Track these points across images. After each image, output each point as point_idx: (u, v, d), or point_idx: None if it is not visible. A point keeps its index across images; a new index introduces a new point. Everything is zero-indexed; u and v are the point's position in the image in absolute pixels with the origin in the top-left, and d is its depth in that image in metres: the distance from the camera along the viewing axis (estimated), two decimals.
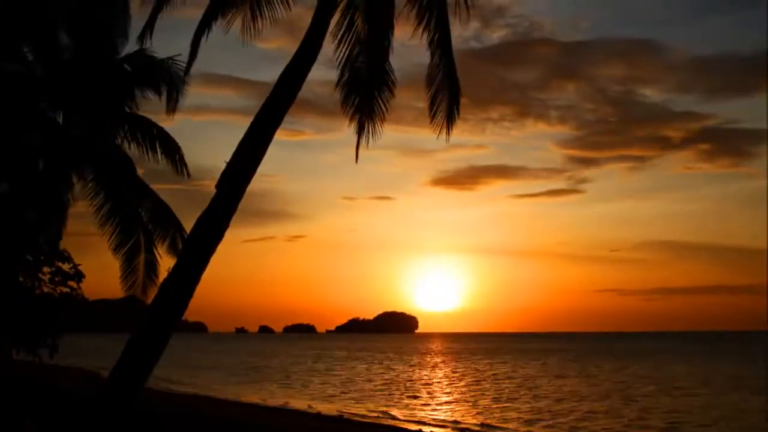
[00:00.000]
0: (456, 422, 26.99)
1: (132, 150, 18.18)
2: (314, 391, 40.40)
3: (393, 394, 38.11)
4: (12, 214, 15.86)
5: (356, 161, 14.41)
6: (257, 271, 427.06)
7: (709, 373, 52.22)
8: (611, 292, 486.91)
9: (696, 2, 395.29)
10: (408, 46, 14.87)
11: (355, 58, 14.43)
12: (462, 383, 45.63)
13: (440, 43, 14.41)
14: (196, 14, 14.20)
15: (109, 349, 43.61)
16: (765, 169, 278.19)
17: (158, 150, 18.05)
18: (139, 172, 18.81)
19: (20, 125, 17.20)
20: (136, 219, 18.44)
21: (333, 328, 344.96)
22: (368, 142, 14.56)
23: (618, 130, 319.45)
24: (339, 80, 14.48)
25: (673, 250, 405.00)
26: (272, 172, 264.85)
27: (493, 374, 53.52)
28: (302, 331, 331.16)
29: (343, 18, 14.27)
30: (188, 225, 13.57)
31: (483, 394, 37.65)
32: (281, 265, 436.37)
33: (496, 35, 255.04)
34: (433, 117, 14.62)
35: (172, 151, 18.18)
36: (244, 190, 13.44)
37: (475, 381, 47.11)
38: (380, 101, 14.58)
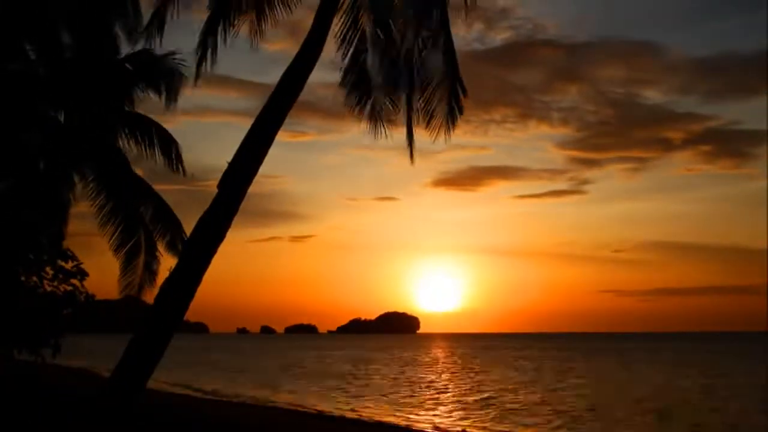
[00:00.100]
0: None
1: (132, 149, 18.25)
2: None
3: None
4: (12, 213, 15.87)
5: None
6: (260, 271, 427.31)
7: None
8: (613, 292, 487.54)
9: (697, 4, 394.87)
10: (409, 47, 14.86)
11: (359, 57, 14.48)
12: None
13: (442, 43, 14.44)
14: (200, 15, 14.29)
15: (111, 349, 43.54)
16: (766, 170, 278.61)
17: (156, 148, 18.08)
18: (140, 172, 18.87)
19: (21, 124, 17.23)
20: (138, 219, 18.47)
21: (334, 328, 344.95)
22: (383, 137, 14.63)
23: (619, 131, 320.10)
24: (342, 80, 14.54)
25: (674, 250, 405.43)
26: (277, 173, 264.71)
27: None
28: (304, 331, 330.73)
29: (346, 17, 14.31)
30: (192, 226, 13.60)
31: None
32: (283, 266, 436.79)
33: (499, 37, 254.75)
34: (430, 118, 14.61)
35: (168, 149, 18.19)
36: (245, 191, 13.47)
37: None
38: (384, 101, 14.64)
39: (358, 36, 14.34)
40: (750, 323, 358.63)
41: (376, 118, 14.54)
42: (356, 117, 14.54)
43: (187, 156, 18.46)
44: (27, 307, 15.09)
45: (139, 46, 17.49)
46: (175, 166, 18.28)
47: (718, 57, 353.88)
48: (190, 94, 18.04)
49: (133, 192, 18.36)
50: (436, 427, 25.53)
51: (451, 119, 14.50)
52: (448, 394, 38.40)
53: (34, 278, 15.42)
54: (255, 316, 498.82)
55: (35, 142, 17.61)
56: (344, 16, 14.28)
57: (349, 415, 27.85)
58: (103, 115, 18.22)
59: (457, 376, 52.72)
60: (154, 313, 13.27)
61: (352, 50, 14.35)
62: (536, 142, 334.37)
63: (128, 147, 18.21)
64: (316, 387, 41.77)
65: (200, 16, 14.33)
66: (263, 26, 14.45)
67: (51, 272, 15.37)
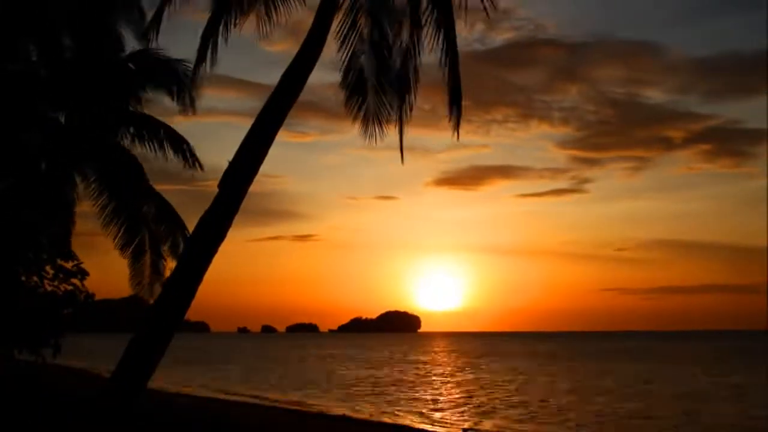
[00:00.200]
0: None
1: (138, 150, 18.23)
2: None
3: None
4: (12, 213, 15.87)
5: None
6: (261, 270, 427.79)
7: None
8: (615, 291, 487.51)
9: (697, 4, 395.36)
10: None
11: (359, 58, 14.46)
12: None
13: (444, 44, 14.41)
14: (202, 15, 14.25)
15: (111, 349, 43.57)
16: (766, 169, 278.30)
17: (167, 148, 18.05)
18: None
19: (21, 124, 17.22)
20: (141, 219, 18.47)
21: (335, 327, 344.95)
22: (376, 141, 14.61)
23: (620, 131, 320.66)
24: (342, 81, 14.52)
25: (676, 249, 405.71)
26: (278, 173, 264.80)
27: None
28: (305, 330, 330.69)
29: (345, 17, 14.28)
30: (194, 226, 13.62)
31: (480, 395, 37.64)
32: (285, 265, 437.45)
33: (500, 38, 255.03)
34: (430, 118, 14.63)
35: (181, 147, 18.18)
36: (246, 190, 13.45)
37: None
38: (383, 101, 14.62)
39: (356, 37, 14.32)
40: (750, 322, 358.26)
41: (371, 120, 14.52)
42: (354, 118, 14.52)
43: None
44: (27, 307, 15.09)
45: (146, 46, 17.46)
46: (191, 163, 18.27)
47: (718, 57, 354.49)
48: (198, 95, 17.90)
49: (137, 192, 18.35)
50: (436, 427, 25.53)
51: (455, 119, 14.47)
52: (447, 395, 38.40)
53: (35, 278, 15.43)
54: (256, 316, 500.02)
55: (35, 142, 17.60)
56: (344, 16, 14.26)
57: (350, 415, 27.82)
58: (103, 114, 18.20)
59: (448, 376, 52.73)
60: (155, 313, 13.26)
61: (350, 51, 14.33)
62: (537, 141, 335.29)
63: (133, 147, 18.20)
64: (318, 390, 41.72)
65: (202, 17, 14.30)
66: (264, 26, 14.38)
67: (51, 272, 15.37)
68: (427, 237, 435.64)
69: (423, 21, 14.29)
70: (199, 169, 18.31)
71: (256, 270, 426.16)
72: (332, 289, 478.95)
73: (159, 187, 18.82)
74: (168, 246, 18.55)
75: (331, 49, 14.13)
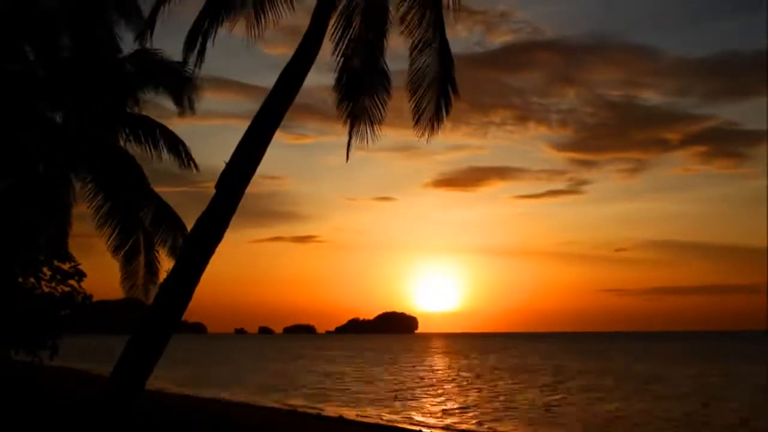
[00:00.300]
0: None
1: (135, 150, 18.18)
2: None
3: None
4: (11, 214, 15.81)
5: (347, 160, 14.42)
6: (258, 271, 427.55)
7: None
8: (613, 291, 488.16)
9: (696, 5, 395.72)
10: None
11: (351, 59, 14.41)
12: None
13: (436, 45, 14.38)
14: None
15: (109, 350, 43.51)
16: (764, 170, 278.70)
17: (162, 148, 18.00)
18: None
19: (19, 125, 17.16)
20: (136, 220, 18.39)
21: (333, 328, 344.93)
22: (367, 143, 14.57)
23: (618, 133, 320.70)
24: (336, 82, 14.47)
25: (674, 249, 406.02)
26: (278, 174, 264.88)
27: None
28: (302, 331, 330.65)
29: (340, 19, 14.25)
30: None
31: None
32: (282, 266, 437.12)
33: (498, 40, 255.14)
34: (419, 118, 14.56)
35: (176, 147, 18.13)
36: (243, 191, 13.42)
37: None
38: (376, 102, 14.57)
39: (350, 38, 14.29)
40: (750, 322, 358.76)
41: (363, 121, 14.47)
42: (346, 119, 14.46)
43: None
44: (24, 309, 15.02)
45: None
46: (186, 163, 18.21)
47: (716, 58, 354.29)
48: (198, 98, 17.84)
49: (133, 193, 18.28)
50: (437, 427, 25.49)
51: (437, 119, 14.44)
52: (444, 395, 38.39)
53: (32, 279, 15.35)
54: (253, 316, 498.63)
55: (33, 142, 17.54)
56: (339, 17, 14.22)
57: (349, 415, 27.77)
58: (101, 115, 18.14)
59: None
60: (152, 314, 13.23)
61: (344, 52, 14.29)
62: (535, 143, 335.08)
63: (130, 147, 18.14)
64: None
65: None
66: (256, 28, 14.24)
67: (48, 273, 15.30)
68: (425, 238, 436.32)
69: (417, 22, 14.30)
70: (194, 169, 18.25)
71: (256, 271, 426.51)
72: (330, 290, 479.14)
73: (159, 189, 18.83)
74: (168, 247, 18.48)
75: (329, 52, 14.13)
